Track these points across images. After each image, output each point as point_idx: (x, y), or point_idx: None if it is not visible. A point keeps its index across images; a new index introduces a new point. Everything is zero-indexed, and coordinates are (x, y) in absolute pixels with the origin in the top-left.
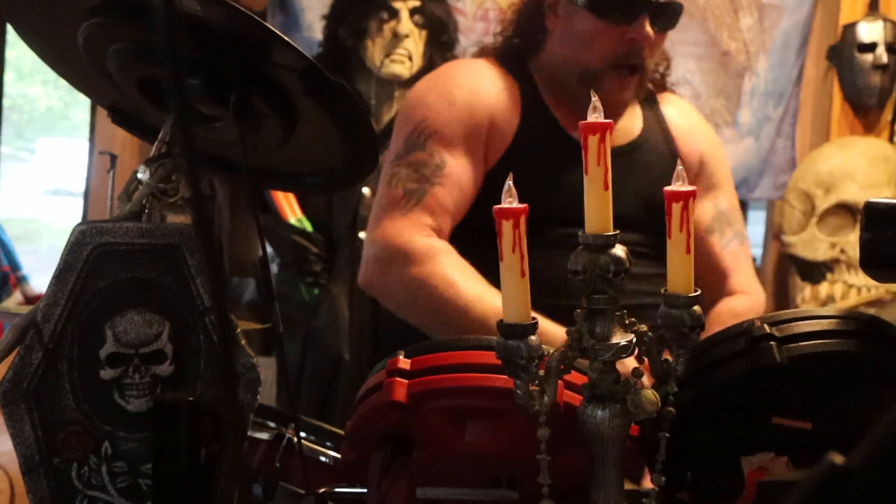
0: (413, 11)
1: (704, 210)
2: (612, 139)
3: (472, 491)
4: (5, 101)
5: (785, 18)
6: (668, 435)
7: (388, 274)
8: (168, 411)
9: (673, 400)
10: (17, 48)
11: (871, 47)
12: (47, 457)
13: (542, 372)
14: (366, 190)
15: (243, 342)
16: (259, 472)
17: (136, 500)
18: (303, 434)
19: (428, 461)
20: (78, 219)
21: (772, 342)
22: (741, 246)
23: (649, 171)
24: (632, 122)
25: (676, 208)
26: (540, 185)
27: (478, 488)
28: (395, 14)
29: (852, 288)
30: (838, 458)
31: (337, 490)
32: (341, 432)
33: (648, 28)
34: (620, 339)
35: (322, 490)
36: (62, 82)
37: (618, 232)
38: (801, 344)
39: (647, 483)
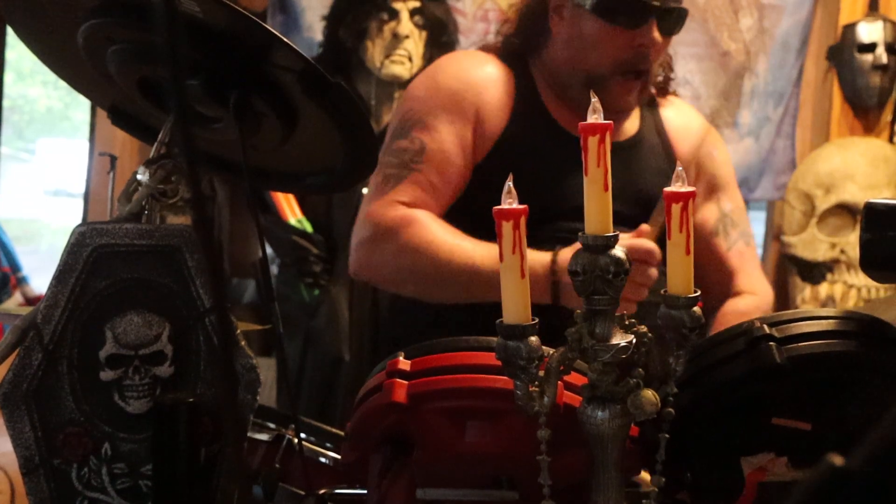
0: (413, 12)
1: (708, 212)
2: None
3: (472, 491)
4: (5, 102)
5: (785, 19)
6: (668, 435)
7: (374, 254)
8: (168, 412)
9: (673, 400)
10: (17, 49)
11: (871, 47)
12: (47, 458)
13: (541, 373)
14: (366, 190)
15: (243, 343)
16: (259, 472)
17: (137, 501)
18: (303, 435)
19: (428, 462)
20: (78, 220)
21: (771, 343)
22: (747, 246)
23: (644, 169)
24: (630, 121)
25: (676, 209)
26: (534, 179)
27: (478, 489)
28: (395, 15)
29: (852, 288)
30: (838, 459)
31: (337, 491)
32: (341, 433)
33: (656, 33)
34: (620, 339)
35: (322, 491)
36: (62, 83)
37: (618, 233)
38: (800, 345)
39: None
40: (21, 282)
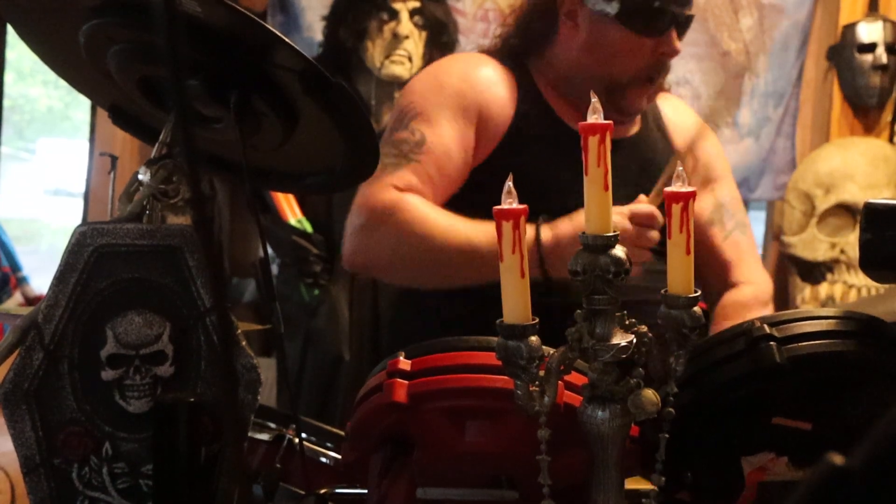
0: (413, 12)
1: (704, 203)
2: (612, 133)
3: (472, 491)
4: (5, 102)
5: (785, 19)
6: (668, 435)
7: (368, 238)
8: (168, 412)
9: (673, 400)
10: (18, 48)
11: (870, 47)
12: (48, 457)
13: (542, 373)
14: None
15: (243, 343)
16: (259, 472)
17: (137, 500)
18: (303, 435)
19: (428, 461)
20: (78, 219)
21: (772, 343)
22: (743, 236)
23: (648, 165)
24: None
25: (676, 209)
26: (539, 178)
27: (478, 488)
28: (395, 15)
29: (852, 288)
30: (838, 458)
31: (337, 491)
32: (341, 433)
33: (677, 42)
34: (620, 339)
35: (322, 491)
36: (63, 83)
37: (618, 233)
38: (801, 344)
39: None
40: (21, 282)
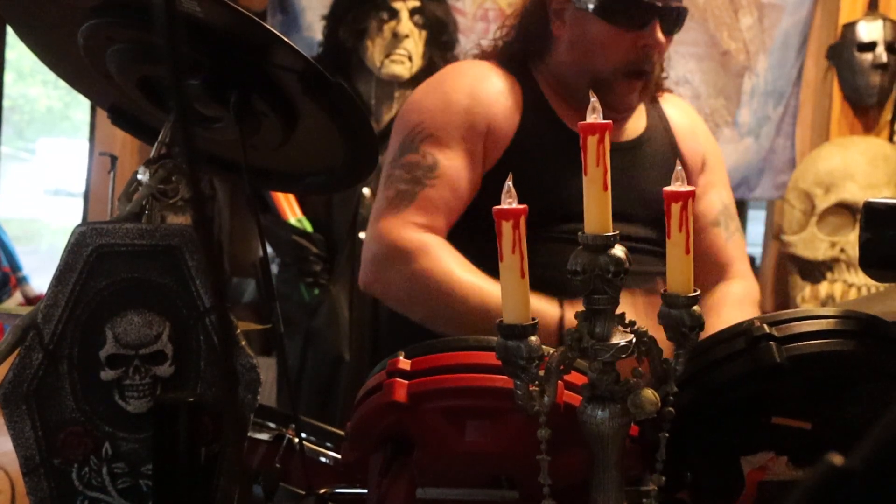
0: (413, 12)
1: (711, 203)
2: (617, 135)
3: (472, 491)
4: (5, 102)
5: (785, 18)
6: (668, 435)
7: (386, 273)
8: (168, 412)
9: (673, 400)
10: (18, 49)
11: (870, 47)
12: (48, 458)
13: (542, 372)
14: (366, 190)
15: (243, 343)
16: (259, 472)
17: (137, 500)
18: (303, 434)
19: (428, 461)
20: (78, 219)
21: (771, 342)
22: (741, 239)
23: (653, 167)
24: (636, 120)
25: (675, 208)
26: (544, 182)
27: (478, 488)
28: (394, 14)
29: (852, 288)
30: (838, 458)
31: (337, 490)
32: (341, 433)
33: (660, 34)
34: (620, 339)
35: (322, 490)
36: (62, 83)
37: (618, 232)
38: (800, 344)
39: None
40: (21, 281)
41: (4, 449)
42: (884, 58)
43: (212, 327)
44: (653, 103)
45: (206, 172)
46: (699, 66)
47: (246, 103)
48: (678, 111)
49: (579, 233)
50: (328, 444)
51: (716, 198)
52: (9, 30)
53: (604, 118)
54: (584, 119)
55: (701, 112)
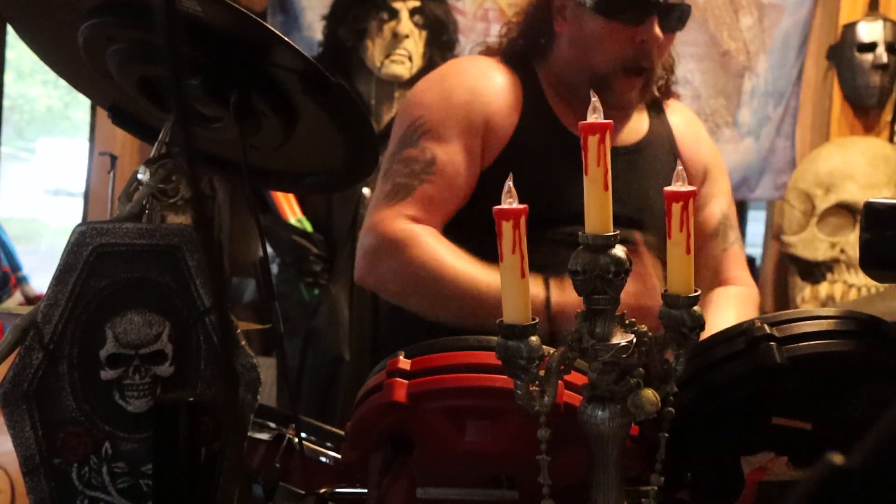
0: (413, 12)
1: (712, 214)
2: (618, 138)
3: (472, 491)
4: (5, 102)
5: (785, 18)
6: (667, 435)
7: (379, 265)
8: (168, 412)
9: (673, 400)
10: (17, 48)
11: (870, 47)
12: (48, 457)
13: (542, 372)
14: (366, 190)
15: (243, 342)
16: (259, 472)
17: (137, 500)
18: (303, 434)
19: (428, 461)
20: (78, 219)
21: (772, 342)
22: (741, 249)
23: (654, 171)
24: (638, 123)
25: (676, 208)
26: (541, 182)
27: (478, 488)
28: (395, 14)
29: (852, 288)
30: (838, 458)
31: (337, 490)
32: (341, 433)
33: (657, 29)
34: (620, 339)
35: (322, 490)
36: (62, 82)
37: (618, 232)
38: (801, 344)
39: None
40: (21, 281)
41: (4, 449)
42: (884, 58)
43: (212, 327)
44: (657, 110)
45: (206, 172)
46: (699, 66)
47: (246, 103)
48: (683, 120)
49: (580, 233)
50: (328, 444)
51: (716, 209)
52: (9, 30)
53: (604, 118)
54: (583, 119)
55: (701, 112)
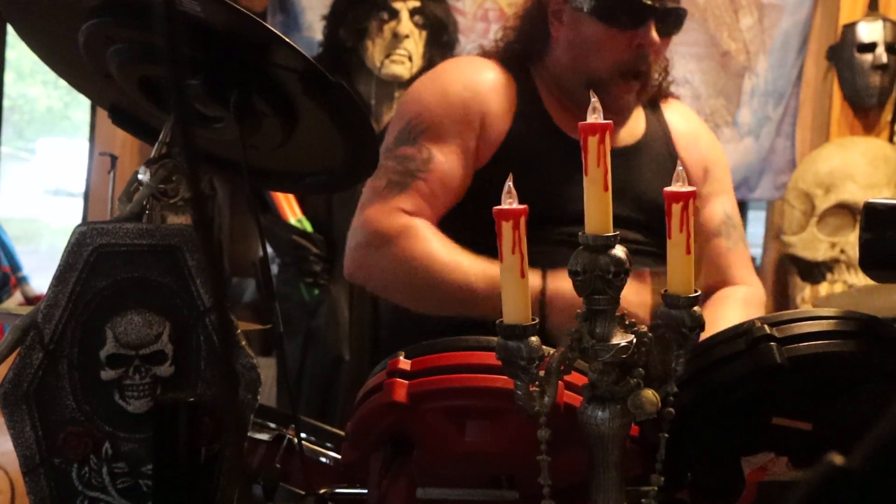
0: (413, 12)
1: (714, 213)
2: (615, 139)
3: (472, 491)
4: (5, 102)
5: (785, 18)
6: (667, 435)
7: (369, 258)
8: (168, 412)
9: (673, 400)
10: (17, 48)
11: (870, 47)
12: (48, 457)
13: (542, 373)
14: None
15: (243, 342)
16: (259, 472)
17: (137, 500)
18: (303, 435)
19: (428, 461)
20: (78, 219)
21: (772, 343)
22: (745, 248)
23: (650, 173)
24: (635, 124)
25: (676, 209)
26: (536, 184)
27: (478, 488)
28: (395, 14)
29: (852, 288)
30: (838, 458)
31: (337, 491)
32: (341, 433)
33: (655, 34)
34: (620, 339)
35: (322, 491)
36: (62, 82)
37: (618, 233)
38: (801, 345)
39: None
40: (21, 281)
41: (4, 449)
42: (884, 58)
43: (212, 327)
44: (654, 109)
45: (206, 172)
46: (699, 66)
47: (246, 103)
48: (681, 118)
49: (580, 233)
50: (328, 444)
51: (718, 208)
52: (9, 30)
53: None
54: (579, 122)
55: (701, 112)
